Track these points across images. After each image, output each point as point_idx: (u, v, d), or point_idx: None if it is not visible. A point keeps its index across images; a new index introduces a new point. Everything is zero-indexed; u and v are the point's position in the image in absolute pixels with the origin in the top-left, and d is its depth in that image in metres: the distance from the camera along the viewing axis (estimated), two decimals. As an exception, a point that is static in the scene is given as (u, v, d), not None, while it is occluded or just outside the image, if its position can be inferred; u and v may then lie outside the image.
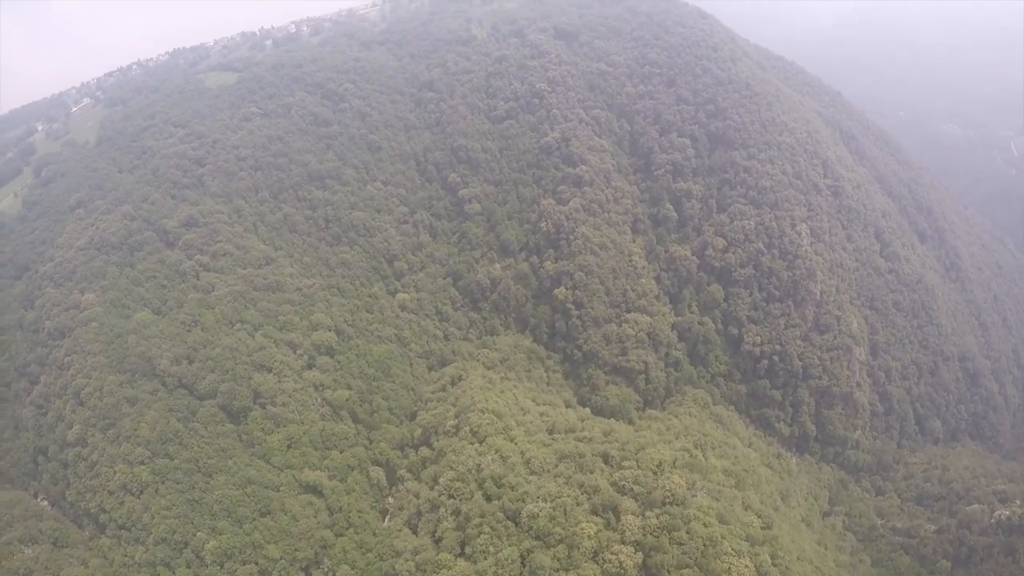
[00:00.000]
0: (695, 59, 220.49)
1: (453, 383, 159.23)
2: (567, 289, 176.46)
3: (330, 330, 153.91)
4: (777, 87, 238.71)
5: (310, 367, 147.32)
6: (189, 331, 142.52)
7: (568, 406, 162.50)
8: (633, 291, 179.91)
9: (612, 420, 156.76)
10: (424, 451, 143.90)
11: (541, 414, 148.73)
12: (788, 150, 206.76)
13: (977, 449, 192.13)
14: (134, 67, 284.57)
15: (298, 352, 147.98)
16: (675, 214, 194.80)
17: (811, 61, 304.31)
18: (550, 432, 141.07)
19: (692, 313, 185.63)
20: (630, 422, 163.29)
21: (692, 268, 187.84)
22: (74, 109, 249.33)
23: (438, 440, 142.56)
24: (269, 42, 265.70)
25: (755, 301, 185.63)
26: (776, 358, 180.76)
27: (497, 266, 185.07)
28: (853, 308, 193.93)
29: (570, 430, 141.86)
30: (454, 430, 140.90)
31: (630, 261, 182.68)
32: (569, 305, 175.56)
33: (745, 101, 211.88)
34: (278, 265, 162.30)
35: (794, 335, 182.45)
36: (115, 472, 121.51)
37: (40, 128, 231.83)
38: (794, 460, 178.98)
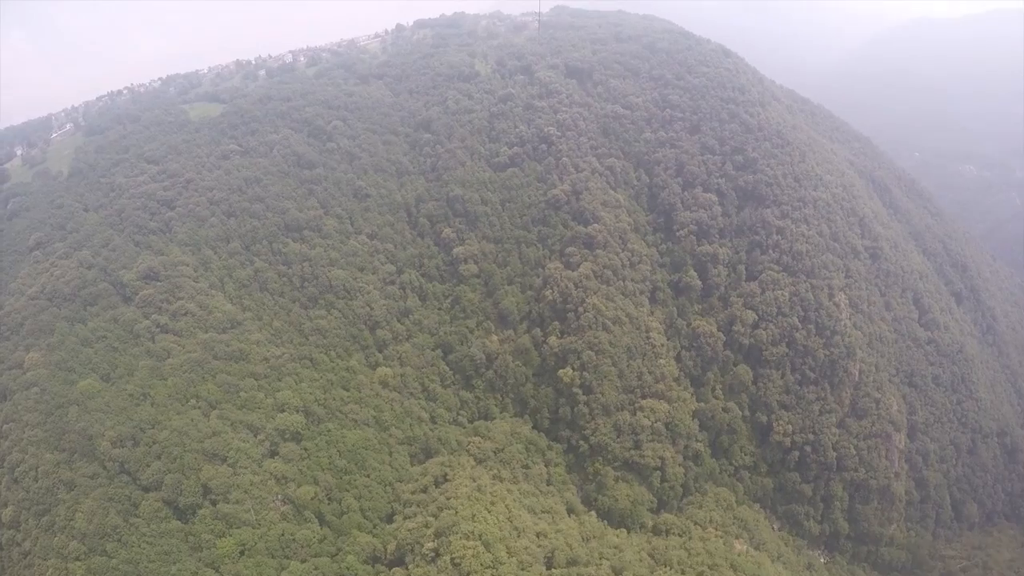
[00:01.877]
0: (721, 103, 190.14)
1: (437, 483, 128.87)
2: (574, 370, 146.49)
3: (298, 411, 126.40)
4: (809, 135, 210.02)
5: (272, 455, 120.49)
6: (137, 405, 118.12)
7: (571, 511, 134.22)
8: (650, 374, 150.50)
9: (622, 532, 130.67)
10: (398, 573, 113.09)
11: (539, 535, 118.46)
12: (824, 208, 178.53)
13: (1015, 534, 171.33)
14: (124, 92, 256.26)
15: (259, 437, 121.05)
16: (699, 282, 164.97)
17: (821, 102, 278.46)
18: (548, 565, 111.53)
19: (716, 399, 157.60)
20: (642, 527, 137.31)
21: (718, 346, 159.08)
22: (54, 135, 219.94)
23: (415, 565, 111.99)
24: (263, 72, 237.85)
25: (787, 384, 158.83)
26: (808, 448, 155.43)
27: (494, 338, 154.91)
28: (892, 387, 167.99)
29: (572, 562, 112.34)
30: (433, 555, 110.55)
31: (647, 338, 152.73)
32: (576, 389, 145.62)
33: (777, 151, 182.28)
34: (244, 330, 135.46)
35: (829, 422, 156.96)
36: (48, 566, 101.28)
37: (19, 153, 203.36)
38: (823, 559, 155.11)
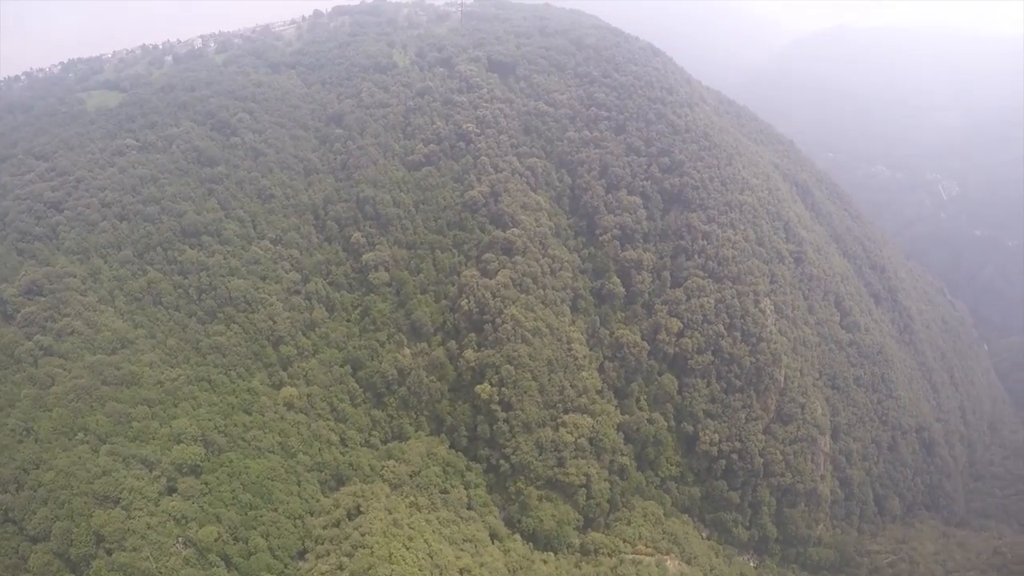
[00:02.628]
0: (648, 102, 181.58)
1: (350, 516, 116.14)
2: (492, 385, 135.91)
3: (196, 441, 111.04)
4: (735, 137, 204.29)
5: (170, 492, 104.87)
6: (20, 442, 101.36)
7: (494, 536, 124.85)
8: (572, 387, 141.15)
9: (549, 556, 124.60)
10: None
11: (461, 571, 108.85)
12: (750, 212, 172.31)
13: (935, 524, 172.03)
14: (21, 78, 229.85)
15: (154, 473, 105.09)
16: (622, 289, 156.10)
17: (743, 103, 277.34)
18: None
19: (641, 410, 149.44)
20: (570, 547, 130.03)
21: (642, 356, 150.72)
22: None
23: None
24: (169, 58, 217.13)
25: (713, 393, 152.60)
26: (735, 456, 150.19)
27: (407, 352, 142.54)
28: (816, 391, 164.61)
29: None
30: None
31: (569, 350, 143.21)
32: (495, 406, 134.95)
33: (704, 154, 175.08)
34: (136, 350, 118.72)
35: (755, 429, 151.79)
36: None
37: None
38: (752, 564, 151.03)
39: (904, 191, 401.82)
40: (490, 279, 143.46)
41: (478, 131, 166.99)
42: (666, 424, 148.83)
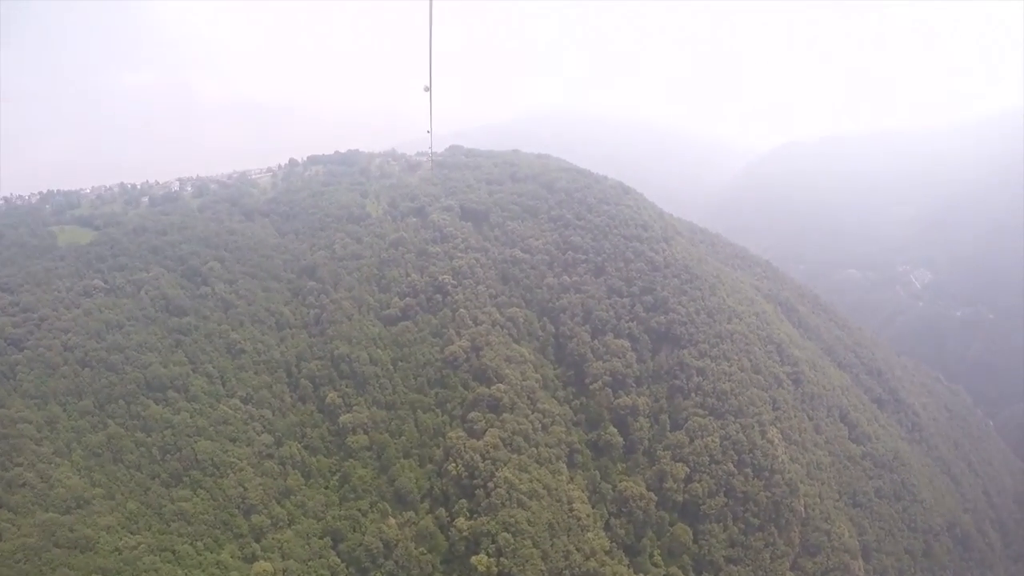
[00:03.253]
0: (624, 241, 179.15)
1: None
2: (489, 556, 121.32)
3: None
4: (714, 265, 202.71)
5: None
6: None
7: None
8: (578, 551, 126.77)
9: None
10: None
11: None
12: (742, 340, 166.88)
13: None
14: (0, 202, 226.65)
15: None
16: (620, 438, 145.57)
17: (711, 228, 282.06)
18: None
19: (656, 566, 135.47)
20: None
21: (650, 508, 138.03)
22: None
23: None
24: (146, 199, 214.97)
25: (732, 536, 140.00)
26: None
27: (392, 522, 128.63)
28: (839, 513, 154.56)
29: None
30: None
31: (571, 511, 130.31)
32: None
33: (687, 287, 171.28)
34: (92, 510, 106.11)
35: (782, 567, 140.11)
36: None
37: None
38: None
39: (878, 288, 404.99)
40: (478, 440, 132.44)
41: (455, 282, 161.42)
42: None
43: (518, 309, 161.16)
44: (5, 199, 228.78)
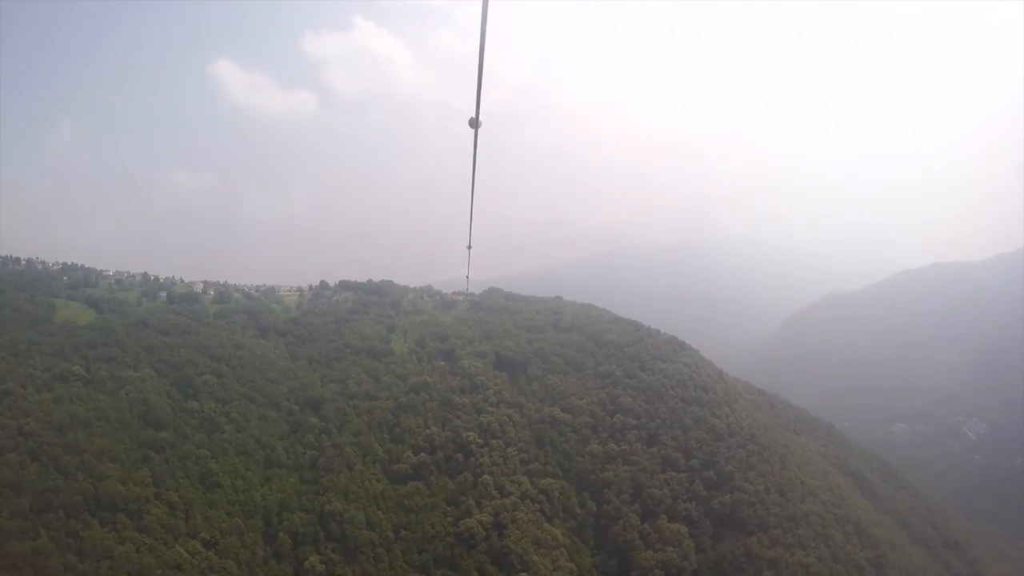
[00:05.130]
0: (682, 404, 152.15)
1: None
2: None
3: None
4: (781, 433, 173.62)
5: None
6: None
7: None
8: None
9: None
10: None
11: None
12: (818, 523, 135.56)
13: None
14: (21, 262, 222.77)
15: None
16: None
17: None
18: None
19: None
20: None
21: None
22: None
23: None
24: (164, 294, 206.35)
25: None
26: None
27: None
28: None
29: None
30: None
31: None
32: None
33: (754, 460, 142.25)
34: None
35: None
36: None
37: None
38: None
39: (930, 442, 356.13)
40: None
41: (481, 441, 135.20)
42: None
43: (554, 480, 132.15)
44: (28, 260, 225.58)
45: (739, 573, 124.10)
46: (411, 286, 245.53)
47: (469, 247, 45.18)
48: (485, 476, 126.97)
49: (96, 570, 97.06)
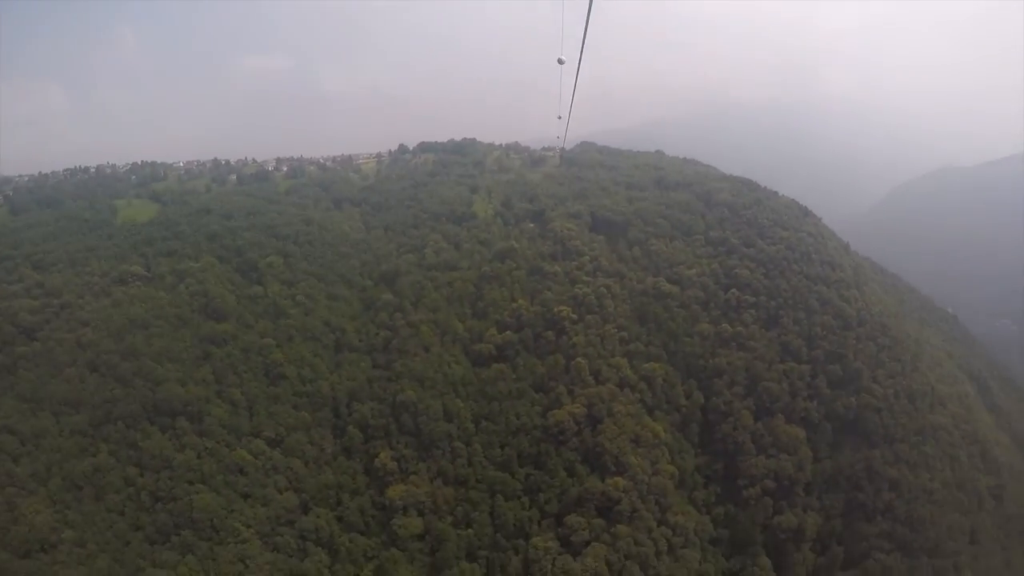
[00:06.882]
0: (807, 283, 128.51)
1: None
2: None
3: None
4: (911, 325, 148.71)
5: None
6: None
7: None
8: None
9: None
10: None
11: None
12: (946, 439, 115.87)
13: None
14: (91, 170, 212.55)
15: None
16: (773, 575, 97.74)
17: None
18: None
19: None
20: None
21: None
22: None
23: None
24: (234, 176, 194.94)
25: None
26: None
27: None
28: None
29: None
30: None
31: None
32: None
33: (884, 356, 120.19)
34: (55, 559, 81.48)
35: None
36: None
37: None
38: None
39: None
40: (574, 557, 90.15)
41: (575, 317, 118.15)
42: None
43: (657, 365, 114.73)
44: (97, 168, 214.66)
45: (856, 490, 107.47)
46: (496, 144, 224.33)
47: (562, 62, 41.32)
48: (579, 359, 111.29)
49: (155, 482, 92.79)
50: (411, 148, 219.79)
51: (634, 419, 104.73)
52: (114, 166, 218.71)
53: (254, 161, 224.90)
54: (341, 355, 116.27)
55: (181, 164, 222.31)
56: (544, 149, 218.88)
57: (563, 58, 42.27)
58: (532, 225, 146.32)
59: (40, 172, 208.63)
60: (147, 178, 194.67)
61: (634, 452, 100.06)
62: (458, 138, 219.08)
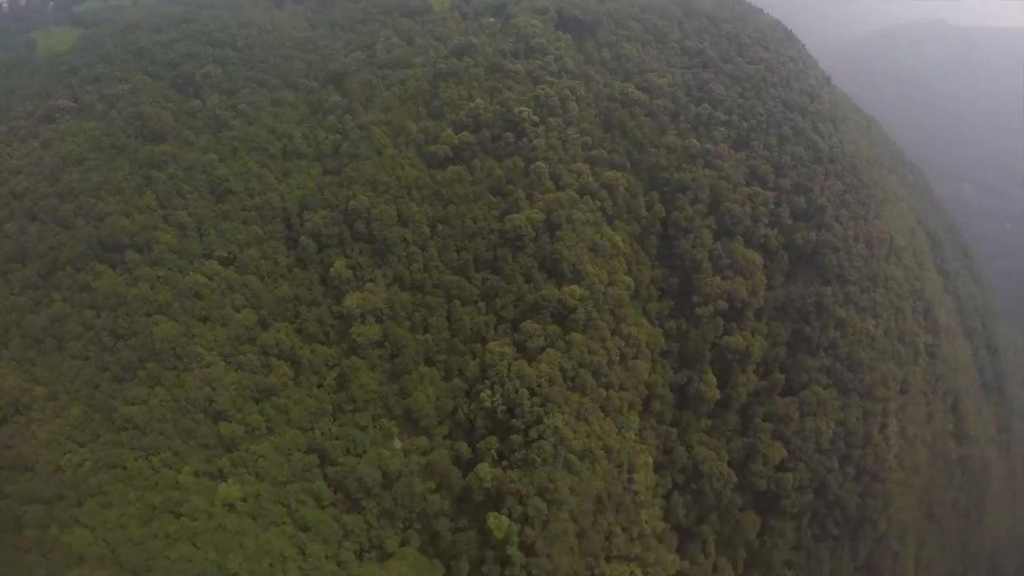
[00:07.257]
0: (783, 110, 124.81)
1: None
2: (512, 521, 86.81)
3: (103, 564, 76.23)
4: (880, 172, 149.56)
5: None
6: None
7: None
8: (624, 531, 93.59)
9: None
10: None
11: None
12: (895, 290, 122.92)
13: None
14: (2, 5, 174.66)
15: None
16: (716, 392, 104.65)
17: None
18: None
19: (707, 555, 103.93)
20: None
21: (725, 490, 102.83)
22: None
23: None
24: None
25: (801, 540, 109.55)
26: None
27: (397, 445, 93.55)
28: (912, 534, 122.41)
29: None
30: None
31: (629, 481, 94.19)
32: (513, 549, 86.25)
33: (849, 197, 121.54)
34: (31, 418, 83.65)
35: None
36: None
37: None
38: None
39: (988, 217, 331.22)
40: (529, 362, 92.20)
41: (537, 119, 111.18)
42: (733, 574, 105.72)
43: (620, 173, 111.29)
44: (8, 1, 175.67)
45: (804, 324, 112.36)
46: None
47: None
48: (539, 163, 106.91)
49: (114, 320, 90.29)
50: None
51: (593, 227, 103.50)
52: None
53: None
54: (289, 163, 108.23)
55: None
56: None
57: None
58: (493, 20, 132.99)
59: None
60: (67, 1, 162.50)
61: (592, 261, 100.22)
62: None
